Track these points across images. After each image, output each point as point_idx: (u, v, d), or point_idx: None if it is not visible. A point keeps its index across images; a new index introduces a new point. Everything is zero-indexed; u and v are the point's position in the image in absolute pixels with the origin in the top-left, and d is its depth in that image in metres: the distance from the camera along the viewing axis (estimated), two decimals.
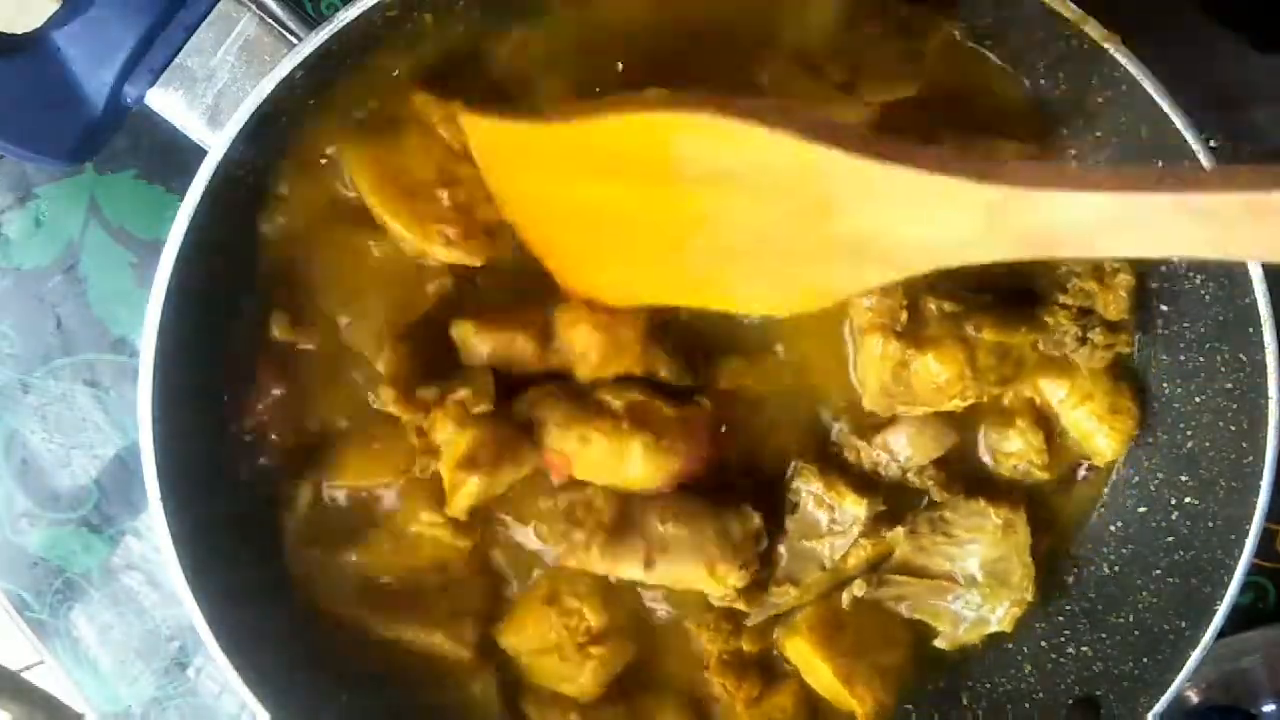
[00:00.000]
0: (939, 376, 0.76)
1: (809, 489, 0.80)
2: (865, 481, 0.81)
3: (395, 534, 0.80)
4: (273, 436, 0.79)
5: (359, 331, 0.78)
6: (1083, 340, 0.79)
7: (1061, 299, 0.79)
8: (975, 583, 0.83)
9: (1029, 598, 0.82)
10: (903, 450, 0.81)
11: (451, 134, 0.75)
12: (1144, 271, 0.80)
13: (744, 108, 0.61)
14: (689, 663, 0.84)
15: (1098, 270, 0.78)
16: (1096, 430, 0.82)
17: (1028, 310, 0.79)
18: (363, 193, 0.76)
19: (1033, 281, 0.80)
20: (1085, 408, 0.82)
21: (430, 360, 0.78)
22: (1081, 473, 0.85)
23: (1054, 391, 0.82)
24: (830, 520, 0.80)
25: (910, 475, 0.81)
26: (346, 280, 0.78)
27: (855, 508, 0.79)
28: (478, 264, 0.76)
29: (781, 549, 0.81)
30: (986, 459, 0.83)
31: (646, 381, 0.78)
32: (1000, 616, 0.82)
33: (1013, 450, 0.82)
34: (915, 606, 0.84)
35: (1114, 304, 0.78)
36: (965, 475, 0.83)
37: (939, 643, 0.84)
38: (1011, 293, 0.79)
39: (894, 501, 0.82)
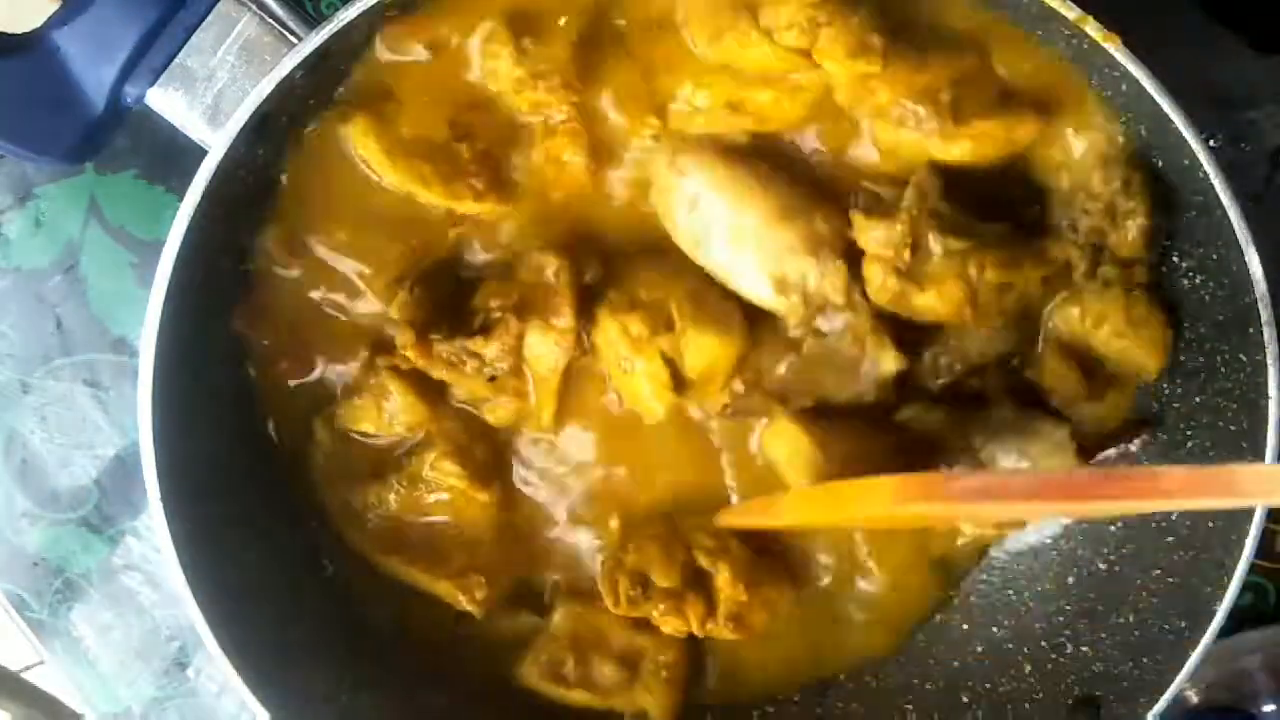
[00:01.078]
0: (938, 314, 0.75)
1: (844, 318, 0.77)
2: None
3: (414, 479, 0.81)
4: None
5: (374, 280, 0.78)
6: (1093, 275, 0.77)
7: (1072, 236, 0.77)
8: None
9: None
10: (968, 346, 0.79)
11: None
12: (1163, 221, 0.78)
13: (962, 489, 0.61)
14: None
15: (1110, 209, 0.76)
16: (1129, 346, 0.79)
17: (1036, 243, 0.77)
18: (379, 171, 0.77)
19: (1048, 214, 0.78)
20: (1106, 328, 0.78)
21: (441, 306, 0.78)
22: (1116, 449, 0.83)
23: (1068, 321, 0.79)
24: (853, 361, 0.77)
25: (971, 379, 0.79)
26: (360, 224, 0.78)
27: (887, 363, 0.76)
28: (509, 208, 0.77)
29: (783, 367, 0.78)
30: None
31: None
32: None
33: (1054, 387, 0.80)
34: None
35: (1126, 244, 0.77)
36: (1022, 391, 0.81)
37: (962, 541, 0.82)
38: (1025, 223, 0.78)
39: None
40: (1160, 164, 0.77)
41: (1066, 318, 0.79)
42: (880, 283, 0.75)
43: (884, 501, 0.64)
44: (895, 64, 0.73)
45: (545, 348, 0.77)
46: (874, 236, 0.75)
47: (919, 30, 0.75)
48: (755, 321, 0.78)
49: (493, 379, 0.78)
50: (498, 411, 0.80)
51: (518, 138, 0.78)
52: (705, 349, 0.76)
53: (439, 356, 0.77)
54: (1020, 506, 0.61)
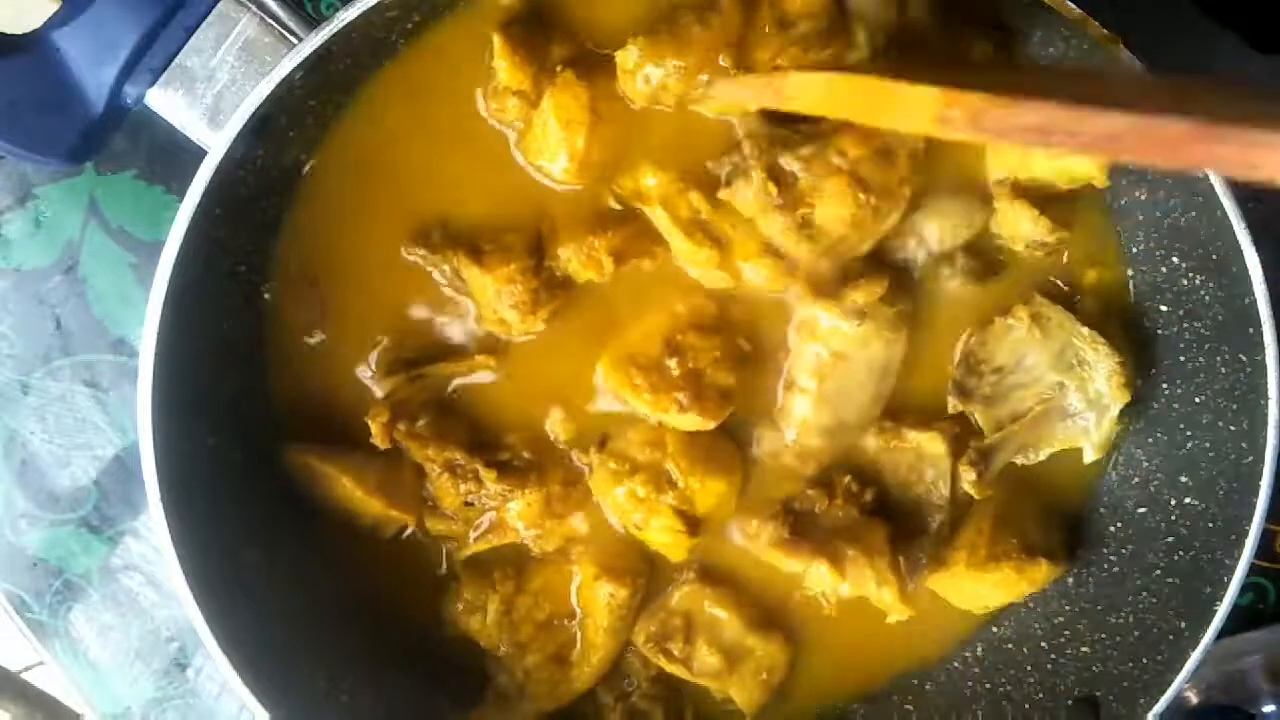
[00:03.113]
0: (843, 216, 0.74)
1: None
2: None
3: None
4: None
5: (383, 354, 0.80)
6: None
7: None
8: (1064, 386, 0.81)
9: (1119, 355, 0.79)
10: (932, 235, 0.79)
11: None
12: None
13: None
14: None
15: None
16: (1067, 161, 0.77)
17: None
18: (613, 385, 0.79)
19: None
20: (1037, 153, 0.77)
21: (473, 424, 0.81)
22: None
23: (1004, 159, 0.78)
24: None
25: (942, 267, 0.79)
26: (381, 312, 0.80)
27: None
28: (711, 426, 0.78)
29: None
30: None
31: None
32: (1112, 390, 0.80)
33: (1013, 233, 0.79)
34: (1039, 445, 0.82)
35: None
36: (987, 261, 0.81)
37: (1089, 456, 0.82)
38: None
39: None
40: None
41: (1001, 158, 0.78)
42: (780, 227, 0.75)
43: (924, 117, 0.57)
44: (658, 46, 0.73)
45: (528, 517, 0.80)
46: (742, 200, 0.75)
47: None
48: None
49: (469, 504, 0.80)
50: (438, 524, 0.82)
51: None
52: (712, 492, 0.79)
53: (449, 460, 0.79)
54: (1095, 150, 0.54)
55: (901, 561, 0.81)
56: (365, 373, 0.80)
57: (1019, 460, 0.82)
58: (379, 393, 0.79)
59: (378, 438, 0.78)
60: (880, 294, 0.78)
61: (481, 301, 0.78)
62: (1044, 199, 0.78)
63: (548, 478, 0.80)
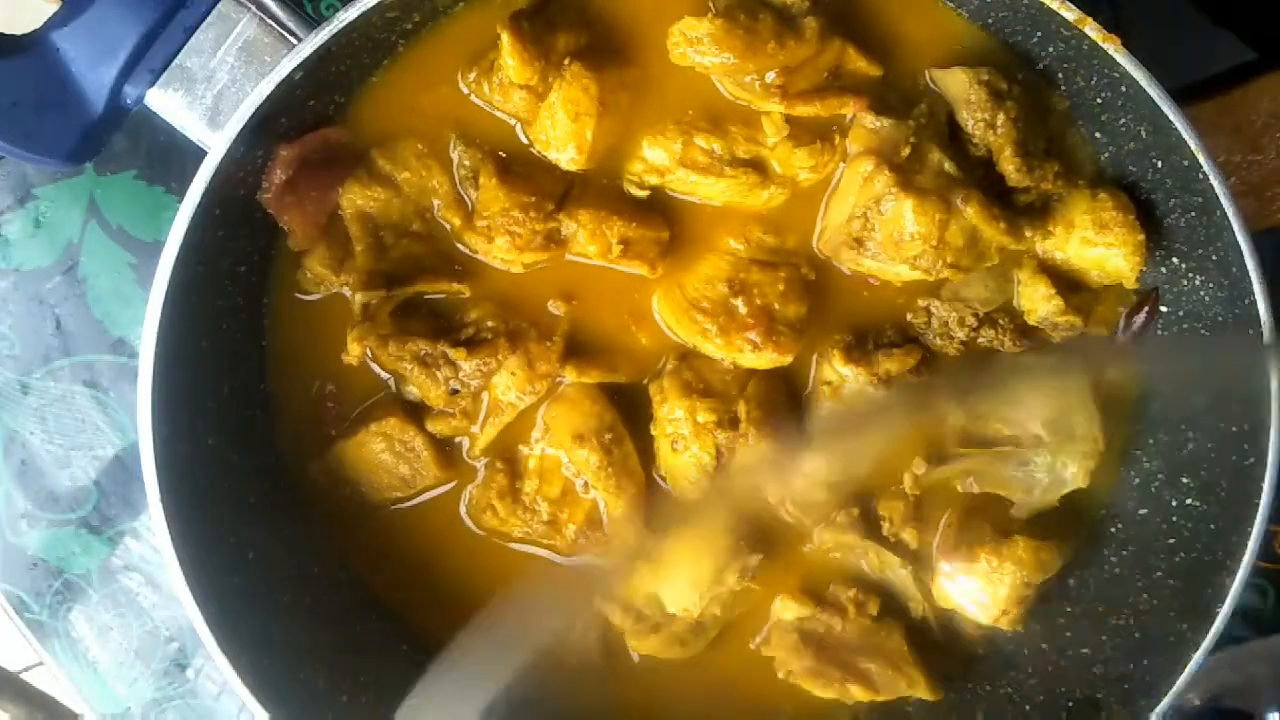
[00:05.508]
0: (908, 227, 0.74)
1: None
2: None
3: None
4: None
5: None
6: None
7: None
8: (1041, 442, 0.81)
9: (1100, 446, 0.80)
10: (978, 295, 0.79)
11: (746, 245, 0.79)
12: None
13: None
14: None
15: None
16: (1103, 254, 0.78)
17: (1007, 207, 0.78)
18: (673, 329, 0.79)
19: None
20: (1076, 236, 0.78)
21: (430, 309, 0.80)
22: (1121, 329, 0.82)
23: (1043, 240, 0.79)
24: None
25: (983, 329, 0.79)
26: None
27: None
28: (788, 360, 0.78)
29: None
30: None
31: None
32: (1075, 473, 0.81)
33: (1031, 307, 0.79)
34: (982, 479, 0.81)
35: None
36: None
37: (1015, 512, 0.82)
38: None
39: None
40: (1160, 164, 0.77)
41: (1042, 238, 0.79)
42: (867, 176, 0.75)
43: None
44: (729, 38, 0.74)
45: (517, 384, 0.78)
46: (879, 128, 0.75)
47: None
48: None
49: (454, 392, 0.79)
50: (439, 423, 0.80)
51: None
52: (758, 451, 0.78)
53: (410, 351, 0.78)
54: None
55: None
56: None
57: (957, 484, 0.82)
58: (355, 305, 0.77)
59: (352, 355, 0.77)
60: (912, 365, 0.79)
61: (484, 213, 0.77)
62: (1070, 285, 0.79)
63: (520, 338, 0.79)
